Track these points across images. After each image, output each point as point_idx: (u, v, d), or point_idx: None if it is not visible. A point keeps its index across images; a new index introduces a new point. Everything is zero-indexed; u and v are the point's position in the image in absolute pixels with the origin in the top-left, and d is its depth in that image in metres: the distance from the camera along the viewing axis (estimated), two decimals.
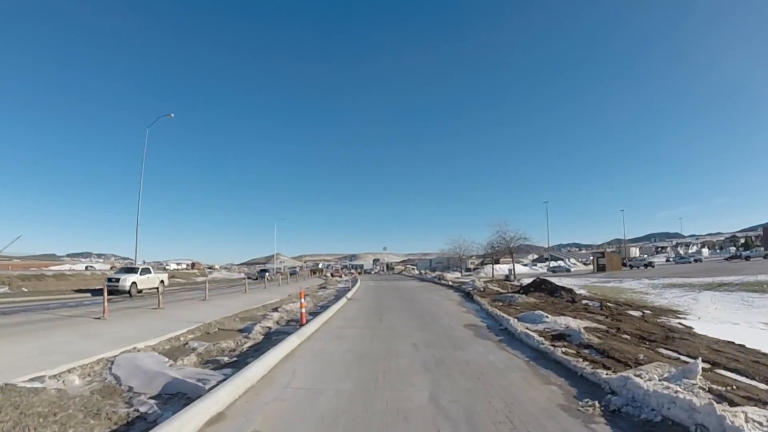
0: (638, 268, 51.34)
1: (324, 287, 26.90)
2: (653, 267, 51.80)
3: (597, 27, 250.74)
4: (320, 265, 69.69)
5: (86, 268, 79.56)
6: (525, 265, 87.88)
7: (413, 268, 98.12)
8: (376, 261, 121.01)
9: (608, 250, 51.80)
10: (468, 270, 67.51)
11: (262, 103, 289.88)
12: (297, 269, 69.66)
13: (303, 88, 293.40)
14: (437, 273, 43.36)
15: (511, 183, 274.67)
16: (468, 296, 19.32)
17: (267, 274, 40.52)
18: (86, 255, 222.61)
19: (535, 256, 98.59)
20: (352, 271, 70.18)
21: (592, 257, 52.75)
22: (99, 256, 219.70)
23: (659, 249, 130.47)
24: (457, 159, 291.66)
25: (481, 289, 21.25)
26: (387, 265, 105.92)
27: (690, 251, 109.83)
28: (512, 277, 35.98)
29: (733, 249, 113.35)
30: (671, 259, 63.77)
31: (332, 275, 53.67)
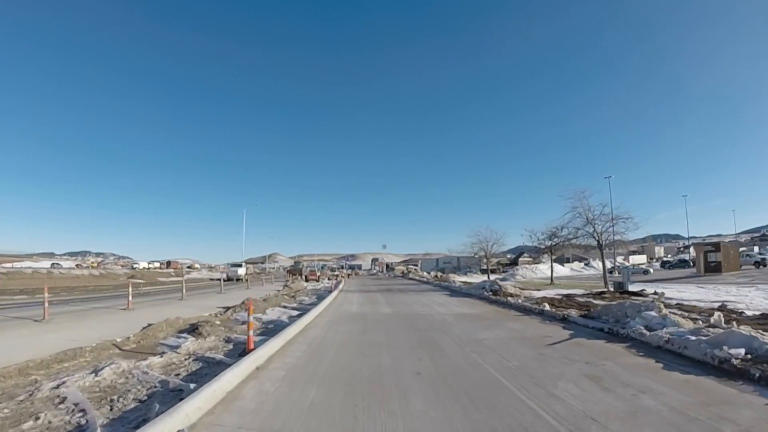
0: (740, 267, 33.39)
1: (203, 326, 8.60)
2: (766, 266, 33.95)
3: (592, 23, 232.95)
4: (301, 265, 49.55)
5: (52, 265, 66.46)
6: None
7: (415, 268, 79.80)
8: (374, 261, 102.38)
9: (724, 242, 33.51)
10: (487, 272, 48.73)
11: (259, 97, 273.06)
12: (241, 271, 39.08)
13: (298, 83, 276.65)
14: (496, 277, 24.38)
15: (507, 181, 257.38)
16: None
17: None
18: (85, 253, 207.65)
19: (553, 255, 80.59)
20: (338, 273, 50.73)
21: (694, 252, 34.53)
22: (97, 254, 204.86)
23: (681, 249, 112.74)
24: (456, 156, 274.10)
25: None
26: (387, 266, 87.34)
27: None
28: (626, 284, 17.62)
29: None
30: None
31: (306, 279, 35.32)
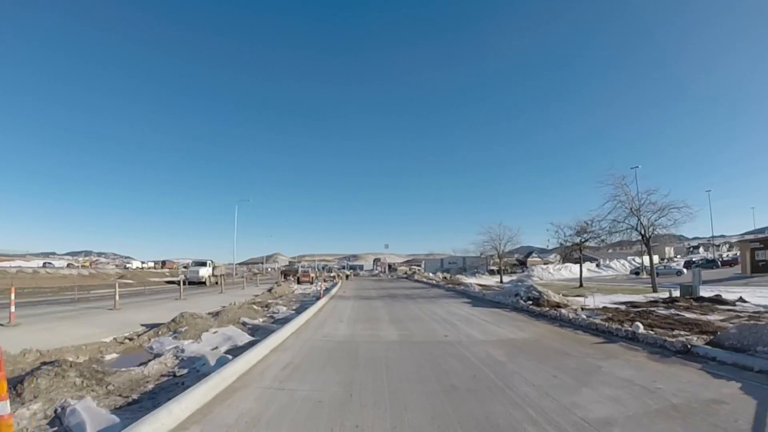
0: None
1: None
2: None
3: (594, 21, 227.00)
4: (297, 266, 44.06)
5: (44, 264, 63.91)
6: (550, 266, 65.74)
7: (419, 269, 75.78)
8: (376, 261, 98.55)
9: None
10: (499, 272, 44.68)
11: (260, 97, 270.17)
12: (203, 271, 29.23)
13: (300, 82, 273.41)
14: (510, 278, 20.22)
15: (506, 181, 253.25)
16: None
17: None
18: (87, 253, 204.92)
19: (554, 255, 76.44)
20: (334, 275, 46.41)
21: (738, 250, 30.63)
22: (99, 254, 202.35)
23: (691, 249, 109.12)
24: (459, 156, 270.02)
25: None
26: (389, 266, 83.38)
27: (719, 252, 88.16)
28: (697, 289, 13.52)
29: None
30: None
31: (299, 280, 31.42)
